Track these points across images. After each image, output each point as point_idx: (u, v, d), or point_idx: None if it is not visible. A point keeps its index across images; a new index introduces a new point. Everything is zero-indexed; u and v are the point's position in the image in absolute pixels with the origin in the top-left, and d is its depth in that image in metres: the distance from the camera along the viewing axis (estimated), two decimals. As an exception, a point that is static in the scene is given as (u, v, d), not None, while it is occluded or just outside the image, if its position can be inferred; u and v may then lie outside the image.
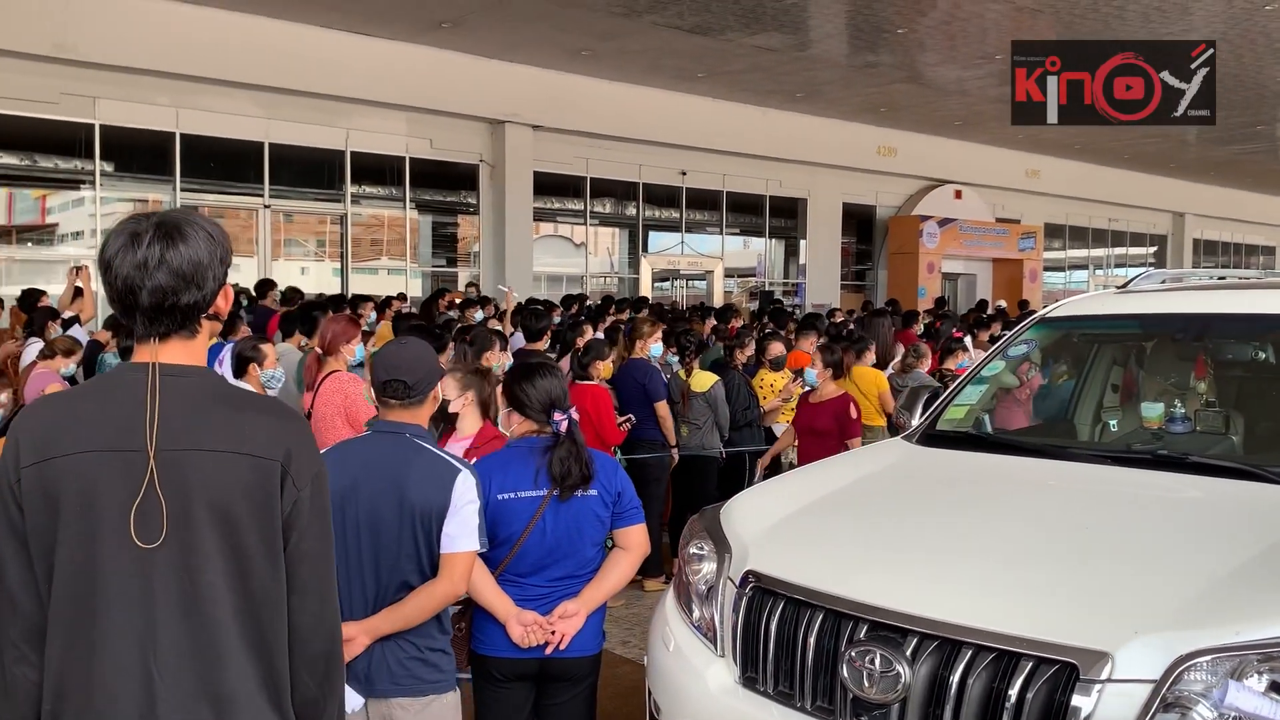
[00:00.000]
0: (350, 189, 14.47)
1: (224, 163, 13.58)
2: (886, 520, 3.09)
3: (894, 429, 4.21)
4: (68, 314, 8.16)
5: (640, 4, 11.62)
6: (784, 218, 19.70)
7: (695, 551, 3.12)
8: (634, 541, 3.11)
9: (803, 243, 19.93)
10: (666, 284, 18.97)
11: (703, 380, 7.03)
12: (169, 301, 1.69)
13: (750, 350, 7.78)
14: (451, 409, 3.81)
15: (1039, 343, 4.31)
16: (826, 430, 6.16)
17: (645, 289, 17.32)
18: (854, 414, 6.19)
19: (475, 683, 3.07)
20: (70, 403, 1.79)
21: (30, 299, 8.76)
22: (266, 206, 13.84)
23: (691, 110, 16.23)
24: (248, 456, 1.68)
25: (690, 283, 19.23)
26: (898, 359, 7.98)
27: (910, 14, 12.15)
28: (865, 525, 3.09)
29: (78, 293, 8.82)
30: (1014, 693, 2.24)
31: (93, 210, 12.86)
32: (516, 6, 11.76)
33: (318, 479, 1.76)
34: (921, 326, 11.49)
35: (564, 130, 15.40)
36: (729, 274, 19.10)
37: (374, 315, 9.76)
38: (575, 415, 3.05)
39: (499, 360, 6.07)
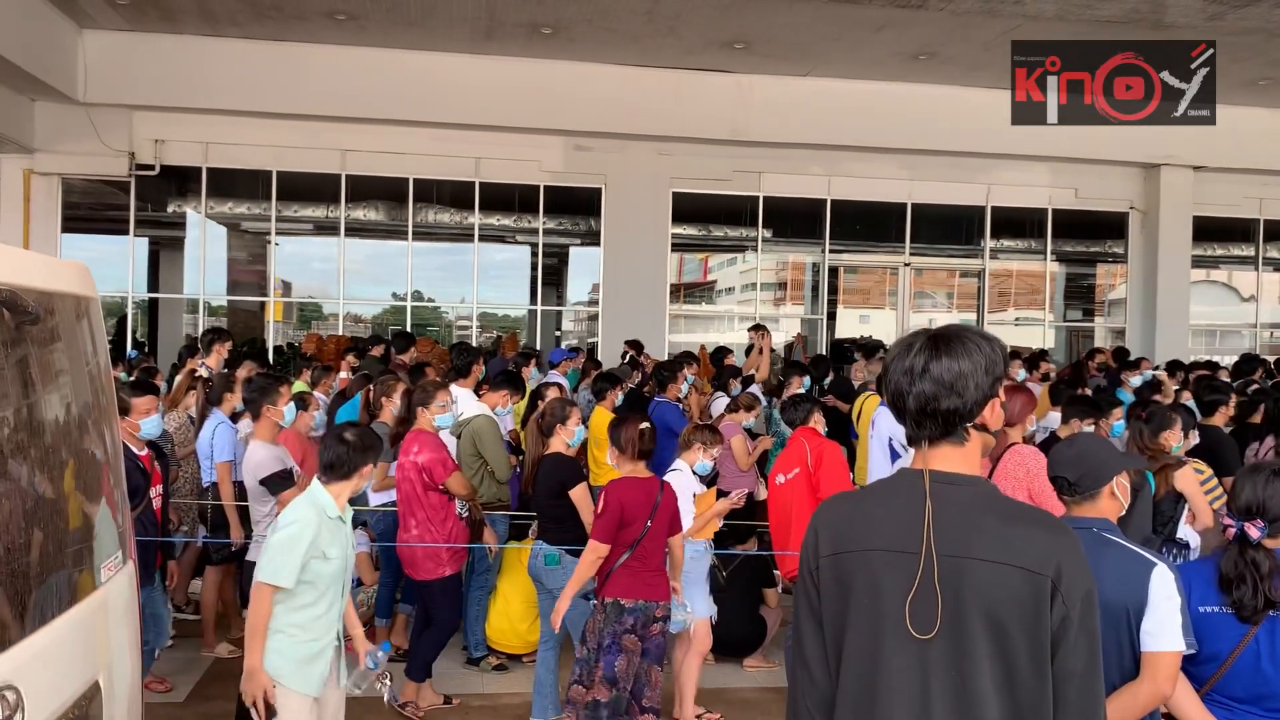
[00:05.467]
0: (989, 243, 14.47)
1: (868, 223, 14.51)
2: None
3: None
4: (750, 372, 9.21)
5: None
6: None
7: None
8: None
9: None
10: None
11: None
12: (930, 407, 1.84)
13: None
14: None
15: None
16: None
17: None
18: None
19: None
20: (860, 502, 1.95)
21: (719, 355, 10.05)
22: (907, 264, 14.36)
23: None
24: (1020, 569, 1.72)
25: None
26: None
27: None
28: None
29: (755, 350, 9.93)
30: None
31: (745, 269, 14.48)
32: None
33: (1088, 597, 1.75)
34: None
35: (1230, 169, 13.92)
36: None
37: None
38: (1253, 530, 2.73)
39: (1178, 442, 5.46)
